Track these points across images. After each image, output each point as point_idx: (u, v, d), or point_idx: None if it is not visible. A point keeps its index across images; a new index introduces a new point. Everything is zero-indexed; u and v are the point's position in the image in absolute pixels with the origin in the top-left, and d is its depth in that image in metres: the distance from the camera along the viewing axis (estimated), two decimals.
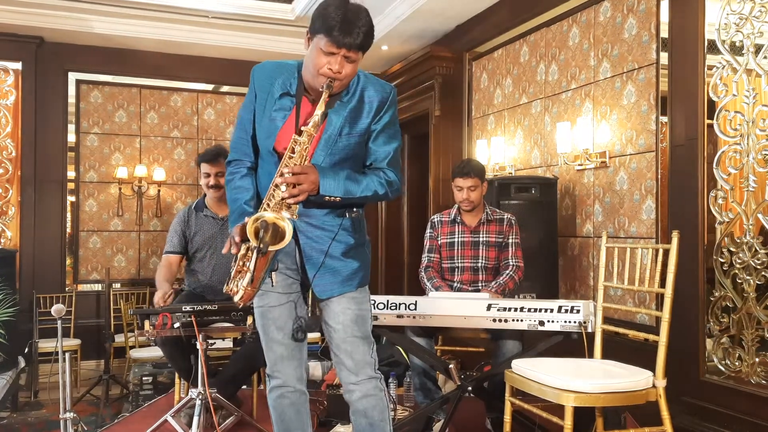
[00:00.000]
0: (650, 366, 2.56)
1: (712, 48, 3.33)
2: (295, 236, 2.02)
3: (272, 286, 2.03)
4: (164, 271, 3.48)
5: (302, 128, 1.95)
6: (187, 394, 3.08)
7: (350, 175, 2.02)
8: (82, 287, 6.38)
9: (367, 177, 2.06)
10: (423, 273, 3.57)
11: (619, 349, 3.09)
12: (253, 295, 1.90)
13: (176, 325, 2.86)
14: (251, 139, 2.11)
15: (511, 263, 3.49)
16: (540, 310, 2.94)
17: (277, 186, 1.92)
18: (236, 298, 1.89)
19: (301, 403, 2.16)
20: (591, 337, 2.86)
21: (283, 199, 1.91)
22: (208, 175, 3.54)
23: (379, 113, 2.06)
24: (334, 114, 2.02)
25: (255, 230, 1.84)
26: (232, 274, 1.92)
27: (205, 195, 3.63)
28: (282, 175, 1.92)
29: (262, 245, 1.80)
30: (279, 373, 2.13)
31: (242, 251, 1.91)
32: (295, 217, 1.93)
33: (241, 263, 1.91)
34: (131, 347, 5.51)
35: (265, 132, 2.06)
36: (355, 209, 2.12)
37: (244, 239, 1.89)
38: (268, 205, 1.93)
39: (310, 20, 1.98)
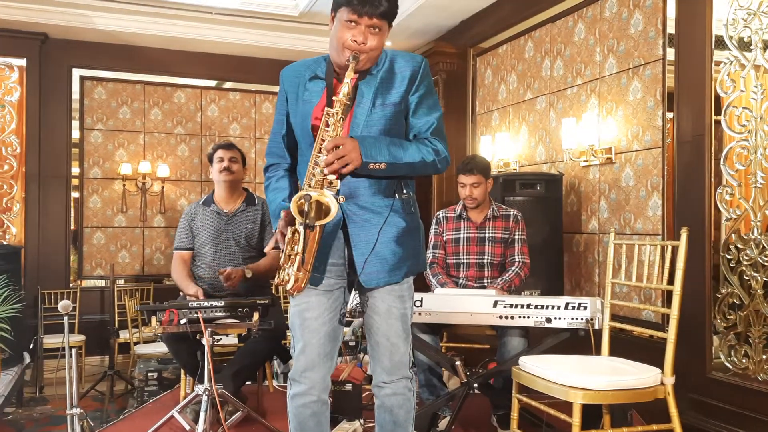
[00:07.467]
0: (655, 363, 2.55)
1: (720, 44, 3.31)
2: (344, 227, 1.97)
3: (322, 282, 1.97)
4: (181, 267, 3.49)
5: (333, 98, 1.88)
6: (192, 390, 3.08)
7: (393, 141, 1.93)
8: (86, 283, 6.37)
9: (412, 144, 1.97)
10: (428, 269, 3.55)
11: (623, 346, 3.08)
12: (304, 280, 1.83)
13: (183, 321, 2.86)
14: (287, 138, 2.07)
15: (517, 260, 3.48)
16: (547, 306, 2.93)
17: (316, 164, 1.84)
18: (288, 287, 1.83)
19: (322, 413, 2.07)
20: (597, 334, 2.86)
21: (324, 175, 1.83)
22: (221, 160, 3.50)
23: (413, 84, 1.98)
24: (365, 86, 1.96)
25: (299, 208, 1.77)
26: (281, 263, 1.86)
27: (214, 191, 3.61)
28: (320, 150, 1.85)
29: (308, 220, 1.74)
30: (307, 380, 2.01)
31: (288, 235, 1.84)
32: (340, 200, 1.86)
33: (289, 249, 1.84)
34: (136, 343, 5.51)
35: (300, 116, 2.00)
36: (404, 190, 2.03)
37: (290, 223, 1.83)
38: (308, 185, 1.86)
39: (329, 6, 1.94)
